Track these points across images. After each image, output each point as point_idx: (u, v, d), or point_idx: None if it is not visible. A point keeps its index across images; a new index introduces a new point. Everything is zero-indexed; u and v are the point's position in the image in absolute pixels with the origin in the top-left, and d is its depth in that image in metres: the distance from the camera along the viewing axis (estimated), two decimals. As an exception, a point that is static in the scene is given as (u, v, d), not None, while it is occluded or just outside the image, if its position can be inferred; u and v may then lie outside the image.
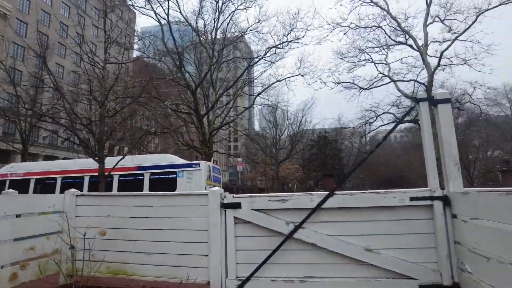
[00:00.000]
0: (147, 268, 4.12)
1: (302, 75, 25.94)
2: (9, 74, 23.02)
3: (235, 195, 4.04)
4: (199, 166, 13.67)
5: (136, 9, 21.11)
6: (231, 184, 42.52)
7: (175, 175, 13.72)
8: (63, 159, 32.78)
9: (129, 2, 19.00)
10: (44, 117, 13.98)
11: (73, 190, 4.81)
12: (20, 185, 16.33)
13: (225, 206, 3.94)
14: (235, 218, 3.89)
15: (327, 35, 54.86)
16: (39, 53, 11.58)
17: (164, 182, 13.78)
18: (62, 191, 13.02)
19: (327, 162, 40.16)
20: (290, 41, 23.95)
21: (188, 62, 25.41)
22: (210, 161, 15.48)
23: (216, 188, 4.15)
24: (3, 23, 36.67)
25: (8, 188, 16.33)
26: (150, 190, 13.88)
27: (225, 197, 4.01)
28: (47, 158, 36.17)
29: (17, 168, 17.40)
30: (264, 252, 3.69)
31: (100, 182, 10.64)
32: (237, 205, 3.89)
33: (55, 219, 4.30)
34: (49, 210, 4.35)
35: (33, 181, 16.17)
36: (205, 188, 13.20)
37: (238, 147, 62.01)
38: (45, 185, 15.89)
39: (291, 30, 24.02)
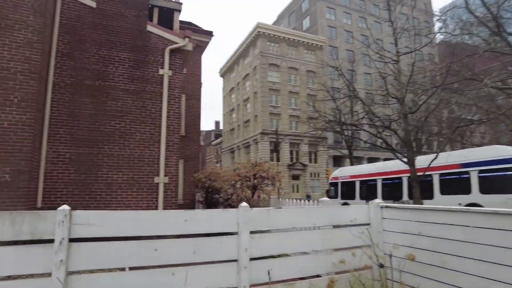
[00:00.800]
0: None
1: None
2: (330, 93, 27.55)
3: None
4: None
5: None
6: None
7: (512, 172, 10.37)
8: (384, 160, 34.87)
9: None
10: (348, 125, 15.13)
11: (377, 201, 4.42)
12: (348, 187, 18.65)
13: None
14: None
15: None
16: (336, 68, 12.68)
17: (499, 182, 10.72)
18: (382, 192, 13.21)
19: None
20: None
21: (510, 22, 19.41)
22: None
23: None
24: (321, 53, 45.23)
25: (341, 190, 19.21)
26: (481, 192, 11.28)
27: None
28: (370, 160, 39.93)
29: (344, 171, 20.09)
30: None
31: (413, 186, 9.84)
32: None
33: (358, 233, 4.05)
34: (350, 223, 4.17)
35: (357, 183, 17.95)
36: None
37: None
38: (367, 186, 17.15)
39: None
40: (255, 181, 8.08)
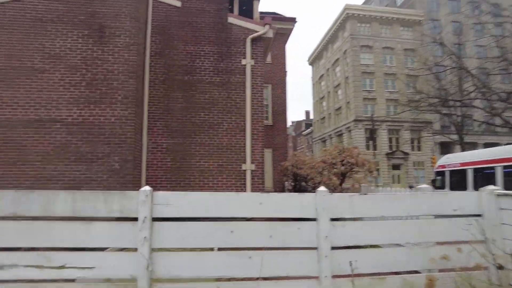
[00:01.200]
0: None
1: None
2: (433, 70, 24.33)
3: None
4: None
5: None
6: None
7: None
8: (505, 144, 29.49)
9: None
10: (454, 101, 12.97)
11: (491, 187, 3.62)
12: (457, 176, 16.23)
13: None
14: None
15: None
16: (436, 40, 10.93)
17: None
18: (504, 182, 11.08)
19: None
20: None
21: None
22: None
23: None
24: (420, 28, 40.32)
25: (449, 179, 16.85)
26: None
27: None
28: (487, 145, 34.19)
29: (452, 158, 17.53)
30: None
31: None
32: None
33: (465, 226, 3.35)
34: (454, 213, 3.48)
35: (470, 172, 15.48)
36: None
37: None
38: (483, 175, 14.64)
39: None
40: (343, 168, 7.56)
